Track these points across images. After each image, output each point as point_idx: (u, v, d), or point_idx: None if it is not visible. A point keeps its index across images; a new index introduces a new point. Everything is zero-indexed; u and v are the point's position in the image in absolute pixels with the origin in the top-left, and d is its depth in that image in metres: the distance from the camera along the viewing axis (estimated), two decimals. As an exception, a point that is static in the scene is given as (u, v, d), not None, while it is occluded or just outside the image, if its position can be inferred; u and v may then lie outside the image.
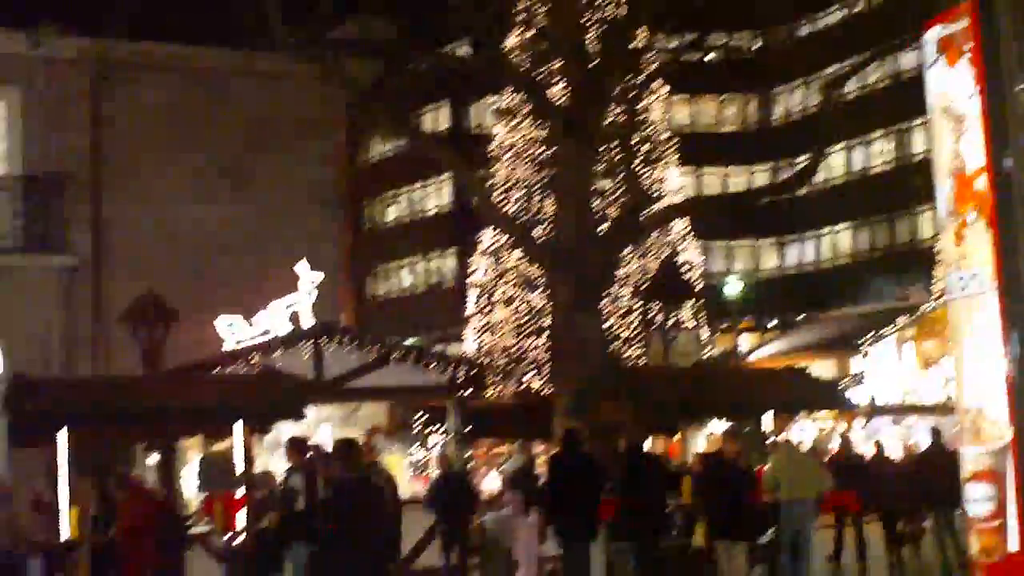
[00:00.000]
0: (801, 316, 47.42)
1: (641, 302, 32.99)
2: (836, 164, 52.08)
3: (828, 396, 24.73)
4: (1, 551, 12.40)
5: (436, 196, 56.46)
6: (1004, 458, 9.76)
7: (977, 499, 10.11)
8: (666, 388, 20.54)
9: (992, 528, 9.92)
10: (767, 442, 21.03)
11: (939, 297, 36.62)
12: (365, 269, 57.37)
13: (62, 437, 14.53)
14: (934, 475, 19.26)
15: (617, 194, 33.10)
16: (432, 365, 21.04)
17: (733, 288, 40.36)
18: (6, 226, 25.39)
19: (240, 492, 15.69)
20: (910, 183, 43.69)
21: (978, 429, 10.18)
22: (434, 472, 19.31)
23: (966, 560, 18.62)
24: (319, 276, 22.29)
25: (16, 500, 14.55)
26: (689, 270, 36.73)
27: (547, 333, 30.65)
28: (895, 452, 24.75)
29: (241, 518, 15.55)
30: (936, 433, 21.30)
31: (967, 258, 10.23)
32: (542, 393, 29.38)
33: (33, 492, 16.30)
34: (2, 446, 18.32)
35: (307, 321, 21.64)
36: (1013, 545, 9.67)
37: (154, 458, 19.25)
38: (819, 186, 48.74)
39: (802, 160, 39.12)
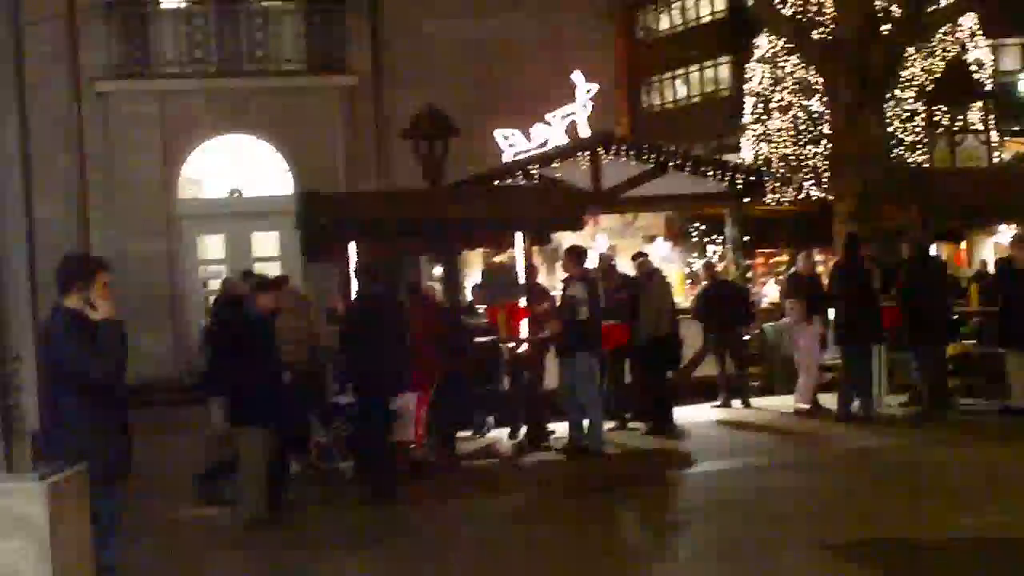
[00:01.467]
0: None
1: (926, 104, 31.73)
2: None
3: None
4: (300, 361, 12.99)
5: (710, 2, 55.20)
6: None
7: None
8: (953, 191, 19.77)
9: None
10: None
11: None
12: (640, 79, 56.84)
13: (352, 249, 14.99)
14: None
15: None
16: (710, 173, 20.74)
17: (1025, 86, 38.34)
18: (291, 48, 26.15)
19: (522, 302, 15.96)
20: None
21: None
22: (702, 282, 19.19)
23: None
24: (595, 87, 22.17)
25: (313, 311, 15.16)
26: (978, 70, 35.12)
27: (826, 140, 29.93)
28: None
29: (524, 327, 15.83)
30: None
31: None
32: (822, 199, 28.78)
33: (329, 303, 16.98)
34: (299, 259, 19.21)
35: (584, 132, 21.62)
36: None
37: (439, 269, 19.84)
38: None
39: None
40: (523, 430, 15.27)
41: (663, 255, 21.86)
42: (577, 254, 14.64)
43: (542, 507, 11.87)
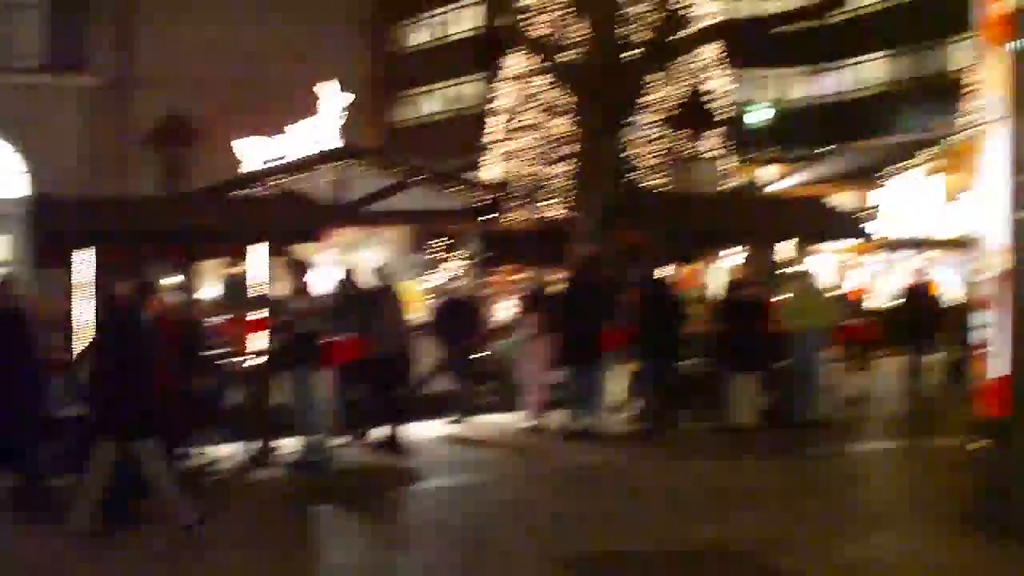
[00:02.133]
0: (827, 147, 47.06)
1: (667, 130, 32.73)
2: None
3: (847, 226, 24.67)
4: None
5: (463, 20, 55.74)
6: (997, 287, 9.97)
7: (977, 326, 10.35)
8: (684, 215, 20.48)
9: (982, 355, 10.17)
10: (784, 272, 21.12)
11: (964, 130, 36.35)
12: (390, 94, 56.93)
13: (83, 256, 14.60)
14: (917, 312, 19.93)
15: (648, 18, 32.70)
16: (454, 189, 20.95)
17: (756, 116, 39.90)
18: (31, 46, 25.36)
19: (256, 315, 15.75)
20: (942, 13, 43.01)
21: (983, 257, 10.36)
22: (440, 298, 19.35)
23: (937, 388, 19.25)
24: (345, 98, 22.15)
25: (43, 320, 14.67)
26: (717, 98, 36.40)
27: (569, 161, 30.54)
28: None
29: (255, 340, 15.61)
30: (919, 273, 21.76)
31: (989, 84, 10.27)
32: (563, 219, 29.35)
33: (57, 311, 16.44)
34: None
35: (331, 143, 21.57)
36: (994, 372, 9.93)
37: (175, 278, 19.43)
38: (849, 14, 48.05)
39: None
40: (250, 445, 14.97)
41: (402, 269, 21.89)
42: (300, 267, 14.49)
43: (259, 523, 11.64)
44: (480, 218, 21.34)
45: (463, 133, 47.70)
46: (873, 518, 10.96)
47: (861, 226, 26.55)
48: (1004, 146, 9.99)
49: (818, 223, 22.41)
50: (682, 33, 26.31)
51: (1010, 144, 9.93)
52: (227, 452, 14.82)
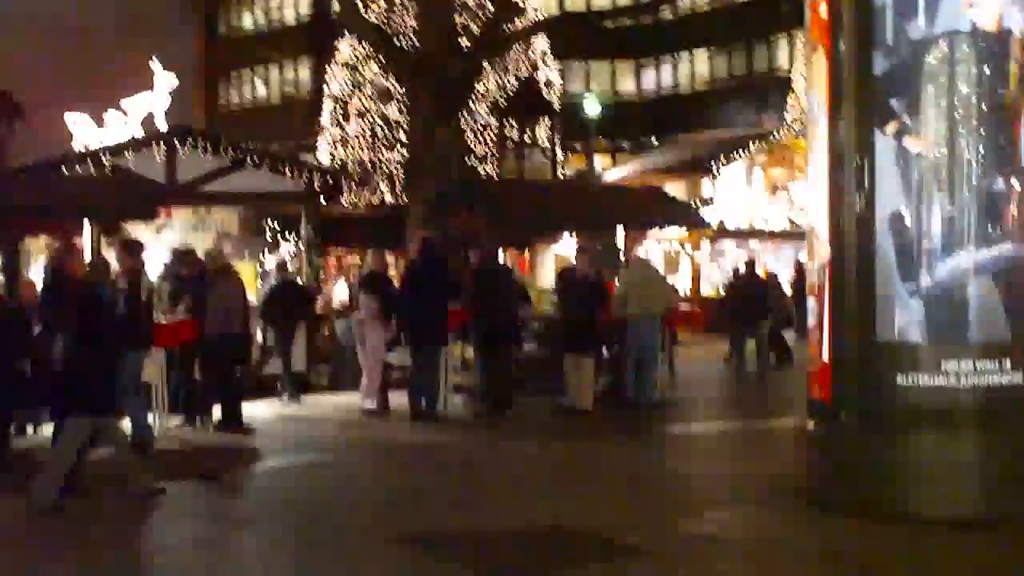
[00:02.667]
0: (656, 139, 47.87)
1: (498, 119, 32.89)
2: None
3: (681, 214, 25.13)
4: None
5: (294, 4, 55.19)
6: (824, 275, 10.27)
7: (809, 312, 10.65)
8: (520, 201, 20.61)
9: (815, 340, 10.47)
10: (619, 258, 21.41)
11: (790, 125, 37.30)
12: (220, 76, 56.13)
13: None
14: (748, 298, 20.63)
15: (481, 8, 32.87)
16: (288, 171, 20.71)
17: (593, 106, 40.27)
18: None
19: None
20: (769, 11, 44.02)
21: (811, 246, 10.65)
22: (271, 281, 19.17)
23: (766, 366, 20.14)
24: (174, 78, 21.73)
25: None
26: (548, 89, 36.72)
27: (402, 147, 30.56)
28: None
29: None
30: (750, 263, 22.43)
31: (812, 84, 10.57)
32: (397, 204, 29.31)
33: None
34: None
35: (161, 123, 21.16)
36: (826, 356, 10.24)
37: (-1, 257, 18.88)
38: (680, 10, 48.87)
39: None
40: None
41: (236, 251, 21.59)
42: (130, 247, 14.07)
43: (93, 502, 11.28)
44: (314, 201, 21.09)
45: (294, 118, 47.31)
46: (712, 496, 11.15)
47: (698, 214, 27.12)
48: (822, 144, 10.28)
49: (656, 210, 22.79)
50: (514, 23, 26.43)
51: (827, 142, 10.22)
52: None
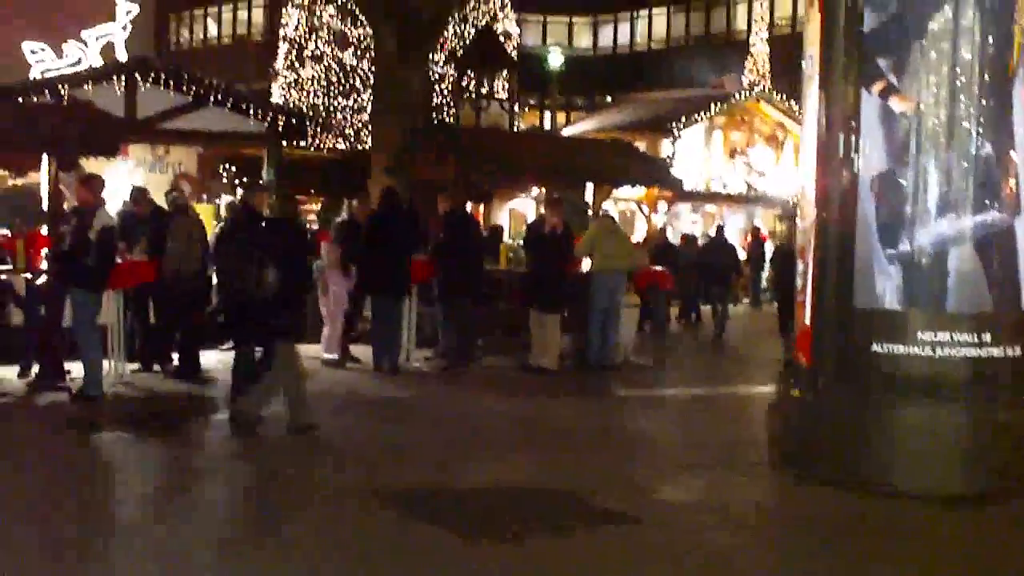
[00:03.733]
0: (610, 96, 47.49)
1: (456, 69, 32.53)
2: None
3: (655, 172, 24.90)
4: None
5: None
6: (808, 239, 10.11)
7: (798, 274, 10.47)
8: (491, 151, 20.24)
9: (800, 303, 10.31)
10: (588, 212, 21.17)
11: (751, 88, 37.13)
12: (170, 13, 55.25)
13: None
14: (715, 262, 20.67)
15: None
16: (251, 111, 20.20)
17: (556, 59, 39.73)
18: None
19: (45, 230, 14.89)
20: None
21: (801, 207, 10.47)
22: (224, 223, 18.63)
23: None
24: (135, 8, 21.12)
25: None
26: (505, 40, 36.37)
27: (358, 95, 30.13)
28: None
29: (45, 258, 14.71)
30: (720, 229, 22.45)
31: (809, 41, 10.34)
32: (361, 150, 28.89)
33: None
34: None
35: (120, 55, 20.60)
36: (808, 319, 10.10)
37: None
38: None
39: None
40: (35, 368, 14.09)
41: (194, 192, 21.13)
42: (93, 183, 13.48)
43: (48, 450, 10.90)
44: (277, 143, 20.62)
45: (246, 60, 46.61)
46: (688, 461, 10.98)
47: (671, 173, 26.92)
48: (814, 103, 10.11)
49: (630, 167, 22.55)
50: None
51: (817, 103, 10.05)
52: (9, 374, 14.04)
